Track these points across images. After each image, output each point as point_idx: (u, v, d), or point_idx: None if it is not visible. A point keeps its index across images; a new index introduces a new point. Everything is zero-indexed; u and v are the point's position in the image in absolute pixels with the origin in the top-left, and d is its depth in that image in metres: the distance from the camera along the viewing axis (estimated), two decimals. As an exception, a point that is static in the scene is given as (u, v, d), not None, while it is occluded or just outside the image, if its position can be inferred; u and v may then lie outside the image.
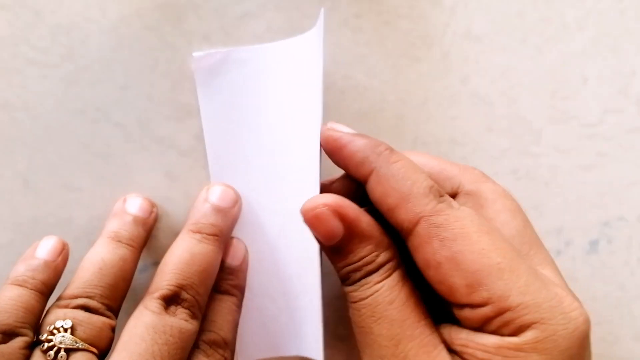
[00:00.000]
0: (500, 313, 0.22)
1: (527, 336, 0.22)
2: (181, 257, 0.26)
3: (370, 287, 0.24)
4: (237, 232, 0.29)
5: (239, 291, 0.28)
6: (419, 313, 0.23)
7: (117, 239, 0.27)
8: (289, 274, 0.30)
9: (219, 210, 0.28)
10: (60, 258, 0.26)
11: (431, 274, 0.23)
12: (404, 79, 0.31)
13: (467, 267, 0.22)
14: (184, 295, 0.26)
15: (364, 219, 0.24)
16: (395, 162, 0.24)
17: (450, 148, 0.32)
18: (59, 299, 0.26)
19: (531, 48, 0.32)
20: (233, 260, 0.29)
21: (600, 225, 0.33)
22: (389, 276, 0.24)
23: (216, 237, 0.27)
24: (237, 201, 0.29)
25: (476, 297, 0.22)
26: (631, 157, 0.33)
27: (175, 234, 0.30)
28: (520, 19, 0.32)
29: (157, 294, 0.25)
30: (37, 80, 0.29)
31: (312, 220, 0.24)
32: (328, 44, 0.30)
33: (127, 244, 0.27)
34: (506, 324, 0.22)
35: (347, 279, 0.24)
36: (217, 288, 0.28)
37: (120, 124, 0.29)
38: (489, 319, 0.22)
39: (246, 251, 0.29)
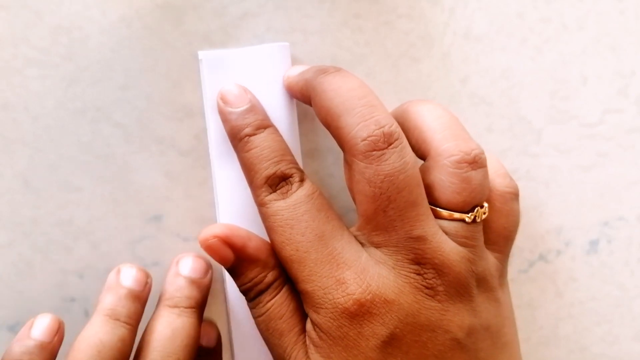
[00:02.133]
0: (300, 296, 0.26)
1: (311, 318, 0.25)
2: (163, 334, 0.26)
3: (263, 305, 0.26)
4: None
5: None
6: (301, 323, 0.26)
7: (115, 317, 0.26)
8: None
9: (192, 282, 0.28)
10: (56, 338, 0.26)
11: None
12: (404, 79, 0.31)
13: (277, 253, 0.26)
14: None
15: (250, 245, 0.27)
16: (247, 152, 0.27)
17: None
18: None
19: (531, 48, 0.32)
20: (209, 342, 0.29)
21: (600, 225, 0.33)
22: (277, 294, 0.26)
23: (194, 310, 0.27)
24: (208, 270, 0.29)
25: (290, 277, 0.26)
26: (631, 157, 0.33)
27: (176, 235, 0.30)
28: (520, 19, 0.32)
29: None
30: (37, 80, 0.29)
31: (207, 250, 0.27)
32: (328, 44, 0.31)
33: (125, 322, 0.26)
34: (304, 306, 0.26)
35: (246, 297, 0.27)
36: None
37: (120, 124, 0.29)
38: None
39: (219, 332, 0.30)
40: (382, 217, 0.25)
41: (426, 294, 0.25)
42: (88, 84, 0.29)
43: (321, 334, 0.25)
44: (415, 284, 0.25)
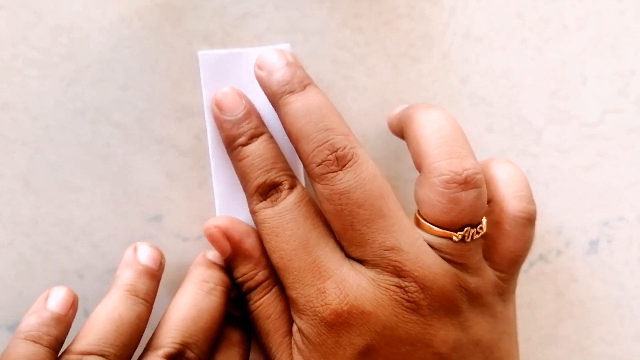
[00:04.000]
0: (249, 312, 0.27)
1: (295, 322, 0.26)
2: (187, 314, 0.26)
3: (253, 303, 0.27)
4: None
5: (246, 345, 0.28)
6: (287, 325, 0.27)
7: (135, 293, 0.26)
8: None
9: (221, 268, 0.28)
10: (71, 312, 0.26)
11: None
12: (404, 79, 0.31)
13: (273, 261, 0.27)
14: (189, 354, 0.25)
15: (247, 241, 0.28)
16: (240, 161, 0.27)
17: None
18: (68, 351, 0.25)
19: (531, 48, 0.32)
20: (239, 312, 0.29)
21: (600, 225, 0.33)
22: (266, 294, 0.27)
23: (223, 290, 0.28)
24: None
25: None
26: (631, 157, 0.33)
27: (176, 235, 0.30)
28: (520, 19, 0.32)
29: (161, 352, 0.25)
30: (37, 80, 0.29)
31: (208, 238, 0.28)
32: (328, 44, 0.31)
33: (144, 299, 0.26)
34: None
35: (240, 292, 0.28)
36: (224, 336, 0.28)
37: (120, 124, 0.29)
38: None
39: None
40: (352, 232, 0.25)
41: (407, 307, 0.25)
42: (88, 84, 0.29)
43: (304, 338, 0.26)
44: (395, 296, 0.25)
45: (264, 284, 0.27)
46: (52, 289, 0.26)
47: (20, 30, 0.29)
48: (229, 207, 0.29)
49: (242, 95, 0.28)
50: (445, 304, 0.25)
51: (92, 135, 0.29)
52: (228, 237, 0.28)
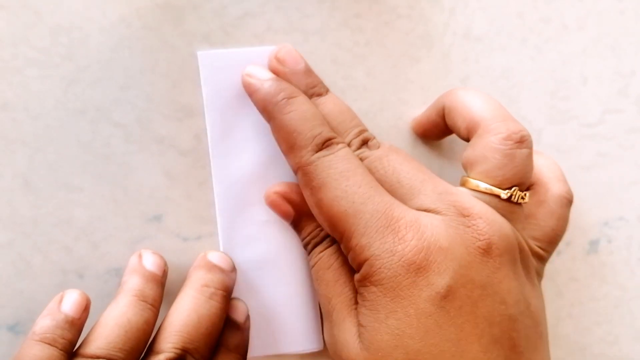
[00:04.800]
0: (347, 252, 0.26)
1: (362, 271, 0.25)
2: (188, 320, 0.26)
3: (316, 255, 0.28)
4: (236, 232, 0.29)
5: (243, 350, 0.29)
6: (347, 276, 0.27)
7: (143, 299, 0.27)
8: (285, 272, 0.30)
9: (222, 270, 0.28)
10: (84, 315, 0.26)
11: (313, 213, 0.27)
12: (404, 79, 0.31)
13: (325, 212, 0.26)
14: (190, 359, 0.26)
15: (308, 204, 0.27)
16: (287, 113, 0.27)
17: (450, 148, 0.32)
18: (78, 354, 0.25)
19: (531, 48, 0.32)
20: (238, 316, 0.29)
21: (600, 225, 0.33)
22: (329, 246, 0.27)
23: (223, 294, 0.27)
24: (234, 268, 0.29)
25: (336, 236, 0.26)
26: (631, 157, 0.33)
27: (176, 235, 0.30)
28: (520, 19, 0.32)
29: (162, 357, 0.25)
30: (37, 80, 0.29)
31: (270, 205, 0.29)
32: (328, 44, 0.31)
33: (151, 305, 0.27)
34: (352, 261, 0.26)
35: (306, 250, 0.29)
36: (222, 342, 0.28)
37: (120, 124, 0.29)
38: (347, 257, 0.26)
39: (248, 311, 0.29)
40: (402, 189, 0.26)
41: (477, 247, 0.24)
42: (88, 84, 0.29)
43: (370, 287, 0.25)
44: (466, 235, 0.25)
45: (329, 239, 0.28)
46: (65, 291, 0.26)
47: (21, 30, 0.29)
48: (229, 207, 0.29)
49: (301, 56, 0.29)
50: (507, 248, 0.25)
51: (92, 135, 0.29)
52: (289, 201, 0.28)
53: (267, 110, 0.27)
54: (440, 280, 0.24)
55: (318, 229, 0.28)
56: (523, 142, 0.26)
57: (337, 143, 0.27)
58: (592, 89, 0.32)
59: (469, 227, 0.25)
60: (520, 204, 0.26)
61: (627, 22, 0.32)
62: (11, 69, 0.29)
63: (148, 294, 0.27)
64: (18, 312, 0.29)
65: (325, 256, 0.27)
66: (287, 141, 0.27)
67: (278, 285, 0.30)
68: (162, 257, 0.29)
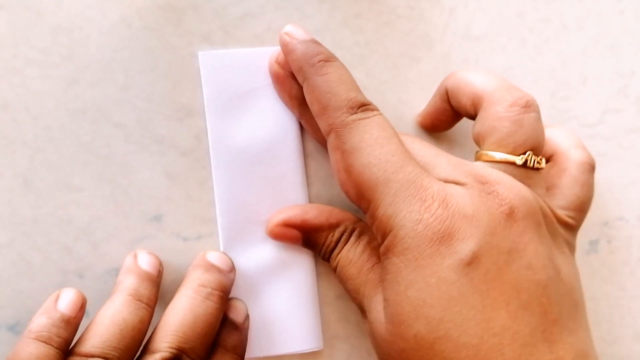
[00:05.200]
0: (372, 221, 0.26)
1: (386, 242, 0.25)
2: (184, 319, 0.26)
3: (334, 259, 0.28)
4: (237, 232, 0.29)
5: (241, 350, 0.28)
6: (370, 262, 0.27)
7: (138, 298, 0.27)
8: (285, 271, 0.30)
9: (220, 270, 0.28)
10: (79, 314, 0.26)
11: (336, 178, 0.27)
12: (404, 79, 0.31)
13: (355, 178, 0.25)
14: (185, 359, 0.26)
15: (309, 217, 0.28)
16: (323, 75, 0.26)
17: (450, 148, 0.32)
18: (73, 353, 0.25)
19: (531, 48, 0.32)
20: (236, 316, 0.29)
21: (600, 225, 0.33)
22: (344, 245, 0.28)
23: (221, 295, 0.27)
24: (233, 268, 0.29)
25: (362, 205, 0.26)
26: (631, 157, 0.33)
27: (176, 235, 0.30)
28: (520, 19, 0.32)
29: (158, 356, 0.25)
30: (37, 80, 0.29)
31: (276, 238, 0.29)
32: (328, 44, 0.31)
33: (147, 304, 0.27)
34: (377, 230, 0.26)
35: (325, 259, 0.29)
36: (220, 342, 0.28)
37: (120, 124, 0.29)
38: (371, 227, 0.26)
39: (247, 311, 0.29)
40: (422, 163, 0.26)
41: (501, 212, 0.24)
42: (88, 84, 0.29)
43: (393, 258, 0.25)
44: (489, 202, 0.24)
45: (342, 239, 0.28)
46: (61, 290, 0.26)
47: (21, 31, 0.29)
48: (229, 207, 0.29)
49: (307, 32, 0.28)
50: (530, 210, 0.25)
51: (93, 135, 0.29)
52: (291, 226, 0.28)
53: (303, 70, 0.27)
54: (464, 247, 0.24)
55: (328, 237, 0.28)
56: (529, 106, 0.26)
57: (373, 109, 0.26)
58: (592, 89, 0.32)
59: (489, 193, 0.25)
60: (537, 169, 0.26)
61: (627, 22, 0.33)
62: (11, 69, 0.29)
63: (143, 293, 0.27)
64: (18, 312, 0.29)
65: (343, 256, 0.28)
66: (320, 102, 0.26)
67: (278, 284, 0.30)
68: (157, 257, 0.29)
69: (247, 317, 0.29)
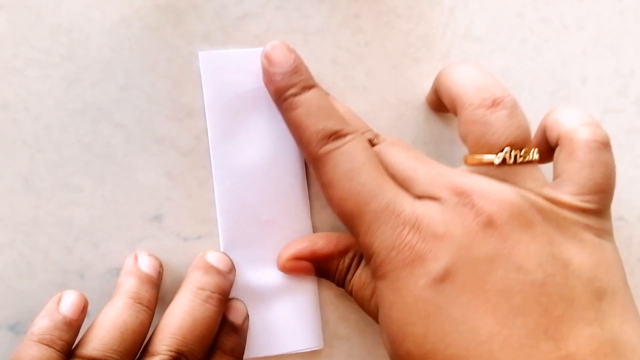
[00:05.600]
0: (360, 248, 0.27)
1: (370, 267, 0.26)
2: (183, 323, 0.26)
3: (348, 283, 0.28)
4: (237, 232, 0.29)
5: (239, 353, 0.28)
6: None
7: (139, 301, 0.27)
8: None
9: (219, 272, 0.28)
10: (81, 316, 0.26)
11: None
12: (404, 79, 0.31)
13: (335, 210, 0.27)
14: None
15: (318, 247, 0.29)
16: (293, 110, 0.27)
17: (450, 148, 0.32)
18: (74, 355, 0.25)
19: (531, 48, 0.32)
20: (235, 318, 0.29)
21: (600, 225, 0.33)
22: (356, 270, 0.28)
23: (220, 298, 0.27)
24: (232, 269, 0.29)
25: (349, 230, 0.27)
26: (631, 157, 0.33)
27: (176, 235, 0.30)
28: (520, 19, 0.32)
29: (157, 359, 0.25)
30: (37, 80, 0.29)
31: (289, 273, 0.29)
32: (328, 44, 0.31)
33: (147, 307, 0.27)
34: (364, 255, 0.27)
35: (340, 286, 0.29)
36: (218, 345, 0.28)
37: (120, 124, 0.29)
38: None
39: (247, 312, 0.29)
40: (399, 182, 0.26)
41: (478, 223, 0.24)
42: (88, 84, 0.29)
43: (377, 281, 0.26)
44: (464, 214, 0.24)
45: (353, 263, 0.28)
46: (63, 292, 0.26)
47: (21, 30, 0.29)
48: (230, 207, 0.29)
49: (291, 50, 0.28)
50: (513, 213, 0.24)
51: (93, 135, 0.29)
52: (302, 258, 0.29)
53: (277, 106, 0.28)
54: (436, 266, 0.24)
55: (340, 264, 0.28)
56: (497, 104, 0.25)
57: (344, 135, 0.26)
58: (592, 89, 0.32)
59: (465, 205, 0.24)
60: (523, 163, 0.26)
61: (626, 22, 0.33)
62: (11, 69, 0.29)
63: (143, 295, 0.27)
64: (18, 312, 0.29)
65: (356, 280, 0.28)
66: (294, 136, 0.28)
67: (278, 284, 0.30)
68: (157, 259, 0.29)
69: (246, 317, 0.29)
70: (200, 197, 0.30)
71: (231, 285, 0.29)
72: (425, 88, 0.31)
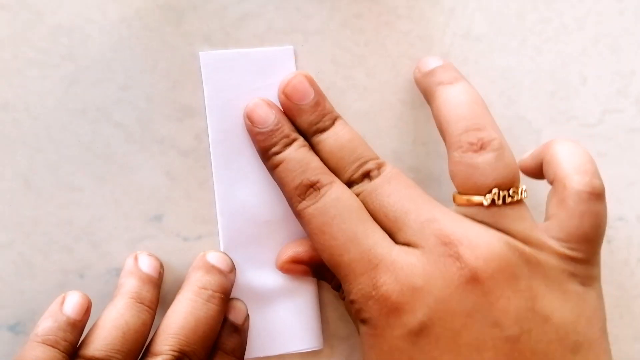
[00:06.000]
0: (343, 298, 0.28)
1: (353, 310, 0.26)
2: (185, 322, 0.26)
3: (342, 292, 0.28)
4: (237, 232, 0.29)
5: (240, 353, 0.29)
6: None
7: (140, 301, 0.27)
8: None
9: (220, 272, 0.28)
10: (85, 317, 0.26)
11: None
12: (404, 79, 0.31)
13: (324, 260, 0.27)
14: None
15: (316, 252, 0.28)
16: (275, 168, 0.28)
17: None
18: (76, 356, 0.25)
19: (530, 48, 0.32)
20: (236, 318, 0.29)
21: (600, 225, 0.33)
22: None
23: (221, 297, 0.27)
24: (233, 268, 0.29)
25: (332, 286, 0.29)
26: (631, 157, 0.33)
27: (176, 235, 0.30)
28: (519, 20, 0.32)
29: (160, 359, 0.25)
30: (37, 80, 0.29)
31: (286, 273, 0.30)
32: (328, 44, 0.31)
33: (149, 307, 0.27)
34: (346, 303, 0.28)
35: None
36: (219, 345, 0.28)
37: (120, 124, 0.29)
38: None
39: (247, 312, 0.29)
40: (388, 222, 0.26)
41: (459, 276, 0.24)
42: (88, 84, 0.29)
43: (359, 323, 0.26)
44: (445, 266, 0.24)
45: None
46: (67, 293, 0.27)
47: (21, 30, 0.29)
48: (230, 207, 0.29)
49: (271, 105, 0.29)
50: (499, 267, 0.24)
51: (93, 136, 0.29)
52: (300, 261, 0.29)
53: (263, 162, 0.29)
54: (412, 319, 0.24)
55: None
56: (484, 147, 0.25)
57: (320, 187, 0.27)
58: (591, 89, 0.32)
59: (450, 256, 0.24)
60: (511, 203, 0.25)
61: (626, 22, 0.33)
62: (11, 69, 0.29)
63: (145, 296, 0.27)
64: (18, 312, 0.29)
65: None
66: (283, 192, 0.28)
67: (278, 284, 0.30)
68: (157, 259, 0.29)
69: (246, 317, 0.29)
70: (200, 197, 0.30)
71: (232, 285, 0.29)
72: (425, 88, 0.31)
